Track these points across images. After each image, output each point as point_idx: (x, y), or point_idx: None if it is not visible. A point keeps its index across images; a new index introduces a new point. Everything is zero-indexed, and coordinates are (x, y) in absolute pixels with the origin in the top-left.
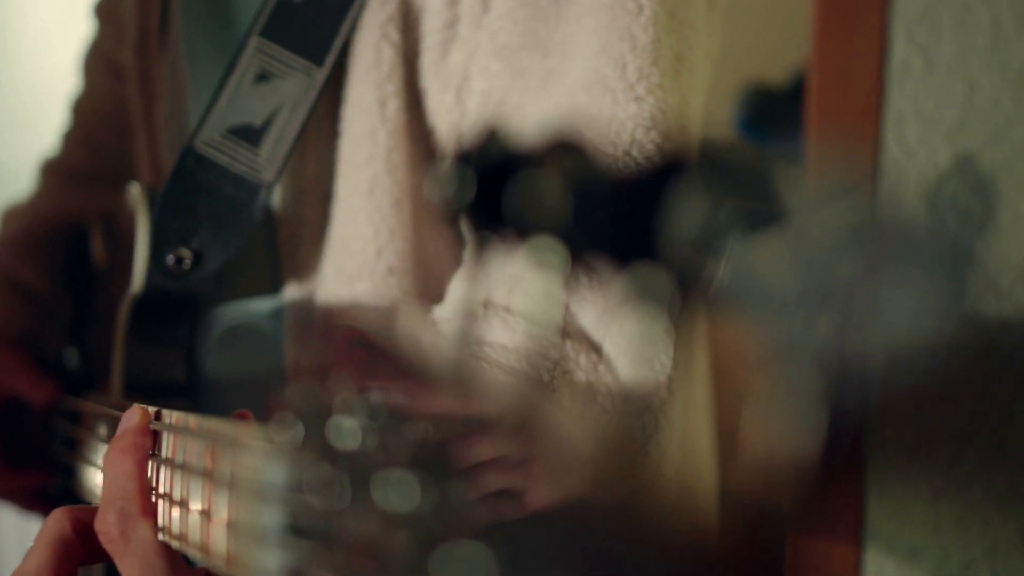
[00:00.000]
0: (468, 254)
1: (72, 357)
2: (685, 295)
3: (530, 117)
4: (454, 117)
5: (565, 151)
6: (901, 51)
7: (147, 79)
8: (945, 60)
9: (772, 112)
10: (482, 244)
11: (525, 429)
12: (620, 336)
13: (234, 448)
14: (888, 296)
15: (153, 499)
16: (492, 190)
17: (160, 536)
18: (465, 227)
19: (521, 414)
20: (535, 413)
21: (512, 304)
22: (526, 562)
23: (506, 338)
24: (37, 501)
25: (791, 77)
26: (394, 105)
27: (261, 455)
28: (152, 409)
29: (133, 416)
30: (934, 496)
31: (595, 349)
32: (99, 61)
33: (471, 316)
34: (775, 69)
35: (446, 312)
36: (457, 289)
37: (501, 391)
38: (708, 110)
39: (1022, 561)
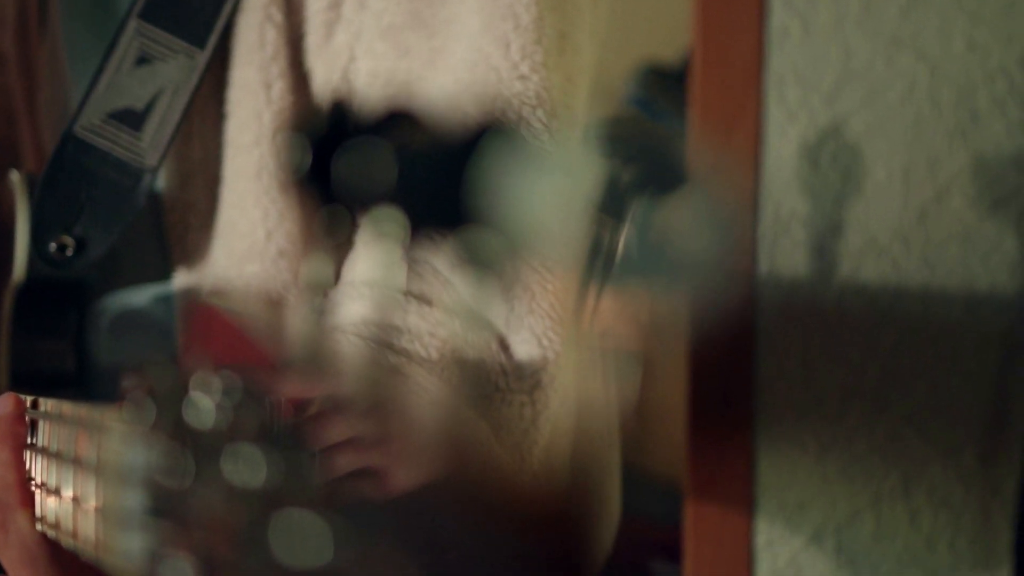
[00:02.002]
0: (316, 227)
1: None
2: (570, 263)
3: (417, 97)
4: (340, 97)
5: (400, 120)
6: (779, 16)
7: (28, 65)
8: (821, 25)
9: (666, 91)
10: (327, 218)
11: (380, 408)
12: (454, 299)
13: (99, 432)
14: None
15: (31, 488)
16: (332, 161)
17: (38, 526)
18: (305, 198)
19: (376, 393)
20: (389, 392)
21: (359, 277)
22: (368, 536)
23: (361, 314)
24: None
25: (684, 56)
26: (279, 87)
27: (122, 437)
28: (27, 398)
29: (7, 405)
30: (821, 450)
31: (436, 314)
32: None
33: (319, 293)
34: (668, 49)
35: (340, 295)
36: (352, 271)
37: (356, 370)
38: (595, 89)
39: (905, 508)
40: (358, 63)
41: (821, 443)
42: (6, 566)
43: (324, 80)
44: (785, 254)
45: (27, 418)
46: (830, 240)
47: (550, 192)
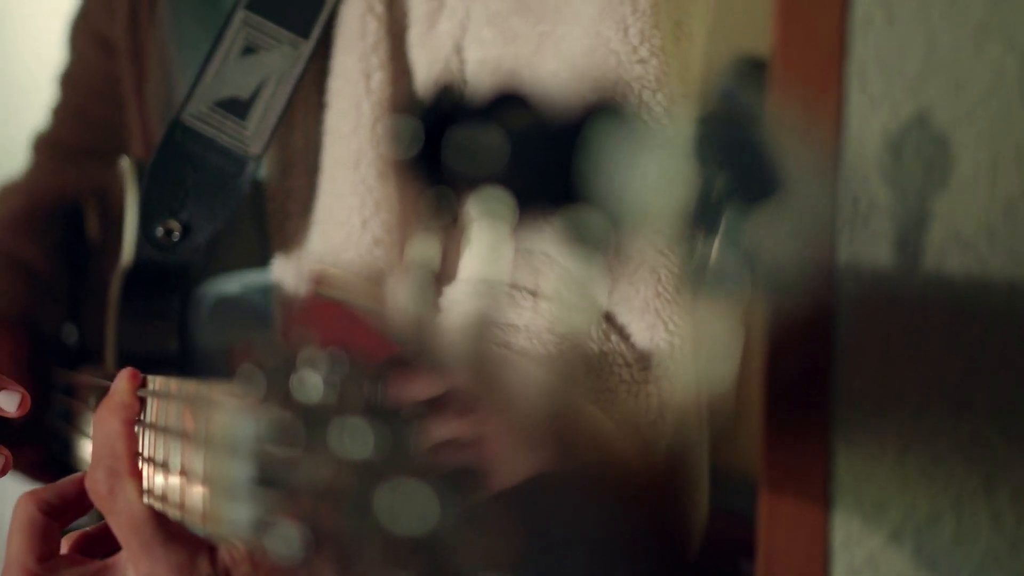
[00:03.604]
0: (422, 208)
1: (71, 332)
2: (681, 265)
3: (525, 80)
4: (444, 87)
5: (509, 102)
6: (863, 3)
7: (139, 53)
8: (906, 12)
9: (760, 84)
10: (434, 200)
11: (484, 395)
12: (566, 285)
13: (208, 407)
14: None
15: (139, 461)
16: (440, 144)
17: (145, 499)
18: (415, 181)
19: (479, 377)
20: (492, 377)
21: (469, 271)
22: (474, 508)
23: (474, 311)
24: (41, 471)
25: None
26: (379, 77)
27: (231, 411)
28: (141, 375)
29: (122, 378)
30: (900, 449)
31: (551, 308)
32: (87, 34)
33: (425, 275)
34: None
35: (458, 293)
36: (467, 268)
37: (464, 359)
38: (705, 79)
39: (987, 510)
40: (465, 52)
41: (901, 441)
42: (115, 532)
43: (427, 69)
44: (865, 246)
45: (139, 395)
46: (913, 232)
47: (663, 173)
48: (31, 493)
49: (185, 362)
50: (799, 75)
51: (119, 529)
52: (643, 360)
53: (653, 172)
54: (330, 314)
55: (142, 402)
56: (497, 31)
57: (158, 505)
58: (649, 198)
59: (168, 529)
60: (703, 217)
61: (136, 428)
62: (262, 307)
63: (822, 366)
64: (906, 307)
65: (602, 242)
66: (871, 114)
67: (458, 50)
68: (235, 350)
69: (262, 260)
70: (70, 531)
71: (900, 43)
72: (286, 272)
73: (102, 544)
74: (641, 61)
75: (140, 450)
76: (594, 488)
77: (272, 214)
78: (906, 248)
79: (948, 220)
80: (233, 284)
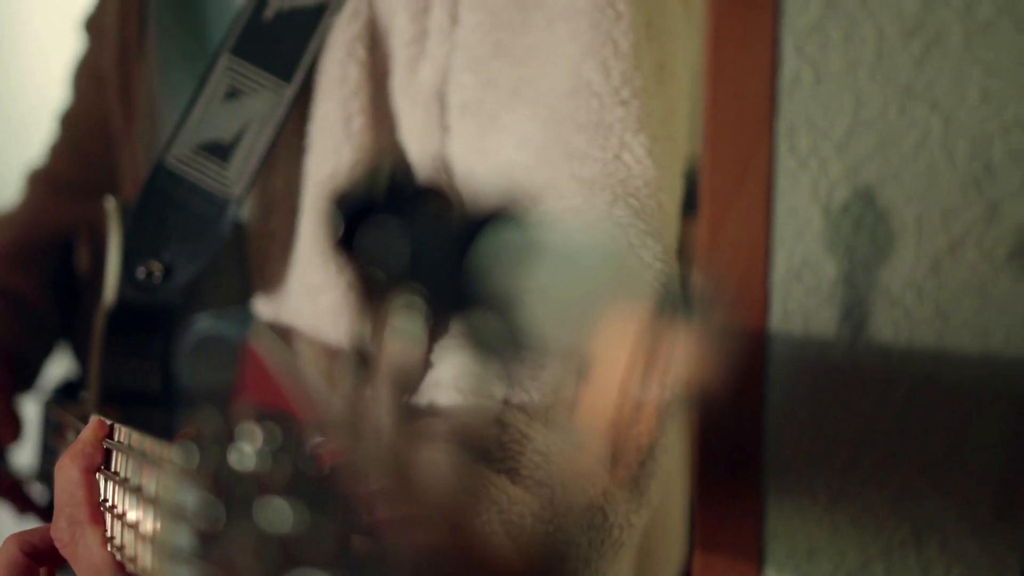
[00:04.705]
0: (355, 292)
1: (66, 364)
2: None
3: (506, 127)
4: (425, 132)
5: (431, 195)
6: (791, 64)
7: (127, 88)
8: (833, 72)
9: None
10: (367, 284)
11: (405, 480)
12: (455, 357)
13: (158, 467)
14: None
15: (103, 511)
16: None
17: (109, 547)
18: (345, 265)
19: (397, 457)
20: (413, 464)
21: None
22: None
23: (459, 367)
24: (29, 506)
25: None
26: (359, 122)
27: (175, 476)
28: (108, 424)
29: (88, 427)
30: (831, 499)
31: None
32: (87, 72)
33: (355, 355)
34: None
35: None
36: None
37: (383, 434)
38: (692, 119)
39: (916, 559)
40: (447, 98)
41: (831, 492)
42: None
43: (409, 115)
44: (797, 302)
45: (104, 445)
46: (842, 289)
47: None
48: (16, 535)
49: (167, 400)
50: (729, 134)
51: (81, 574)
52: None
53: (550, 279)
54: (266, 380)
55: (107, 452)
56: (477, 76)
57: (118, 555)
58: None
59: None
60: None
61: (99, 477)
62: (240, 347)
63: (754, 421)
64: (836, 363)
65: (497, 346)
66: (800, 172)
67: (439, 96)
68: (184, 417)
69: (243, 301)
70: None
71: (828, 102)
72: (266, 313)
73: None
74: (623, 103)
75: (104, 499)
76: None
77: (253, 256)
78: (836, 304)
79: (876, 277)
80: (215, 323)
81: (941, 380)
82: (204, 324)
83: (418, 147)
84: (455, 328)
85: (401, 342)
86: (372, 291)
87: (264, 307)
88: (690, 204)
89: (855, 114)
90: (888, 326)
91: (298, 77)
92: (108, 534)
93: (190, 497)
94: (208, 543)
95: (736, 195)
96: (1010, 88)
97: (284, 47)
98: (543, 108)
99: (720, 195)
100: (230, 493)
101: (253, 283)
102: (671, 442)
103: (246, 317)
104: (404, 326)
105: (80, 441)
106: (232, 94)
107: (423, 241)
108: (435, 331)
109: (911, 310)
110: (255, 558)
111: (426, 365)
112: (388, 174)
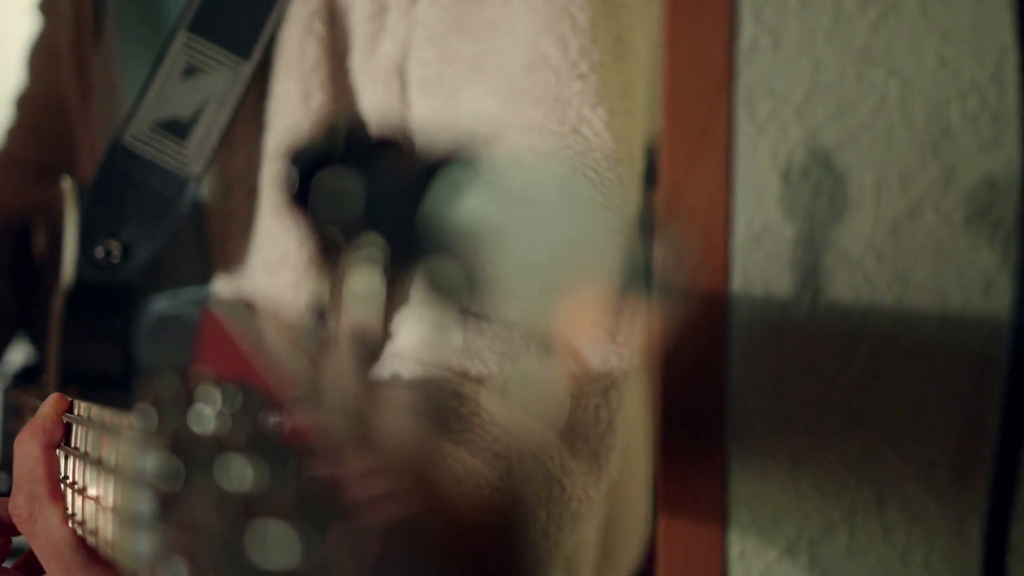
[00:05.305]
0: (310, 249)
1: (25, 349)
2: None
3: (466, 101)
4: (386, 108)
5: (388, 147)
6: (749, 29)
7: (83, 70)
8: (791, 38)
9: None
10: (322, 241)
11: (365, 441)
12: (415, 327)
13: (117, 436)
14: None
15: (63, 487)
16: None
17: (70, 523)
18: (296, 223)
19: (360, 421)
20: (370, 426)
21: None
22: (342, 547)
23: (419, 337)
24: None
25: None
26: (319, 99)
27: (133, 442)
28: (67, 399)
29: (47, 403)
30: (794, 463)
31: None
32: (42, 53)
33: (317, 316)
34: None
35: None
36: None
37: (345, 400)
38: (652, 94)
39: (879, 523)
40: (407, 74)
41: (794, 456)
42: (38, 555)
43: (370, 90)
44: (758, 267)
45: (64, 420)
46: (803, 253)
47: (520, 224)
48: None
49: (128, 382)
50: (688, 101)
51: (39, 552)
52: (590, 371)
53: (512, 223)
54: (227, 347)
55: (67, 427)
56: (437, 51)
57: (79, 529)
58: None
59: (87, 554)
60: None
61: (59, 452)
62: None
63: (716, 386)
64: (797, 327)
65: (456, 294)
66: (759, 138)
67: (400, 72)
68: (140, 384)
69: (203, 280)
70: None
71: (786, 68)
72: (226, 291)
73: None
74: (581, 76)
75: (64, 475)
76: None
77: (213, 234)
78: (796, 268)
79: (836, 241)
80: (174, 302)
81: (901, 343)
82: (162, 304)
83: (378, 123)
84: (415, 281)
85: (360, 304)
86: (328, 249)
87: (224, 285)
88: (652, 177)
89: (813, 79)
90: (848, 289)
91: (256, 54)
92: (69, 511)
93: (149, 461)
94: (168, 505)
95: (696, 161)
96: (966, 52)
97: (242, 24)
98: (502, 83)
99: (680, 162)
100: (189, 453)
101: (213, 262)
102: (632, 414)
103: (205, 297)
104: (363, 284)
105: (39, 416)
106: (190, 71)
107: (380, 190)
108: (395, 288)
109: (870, 273)
110: (216, 516)
111: (386, 334)
112: (343, 129)
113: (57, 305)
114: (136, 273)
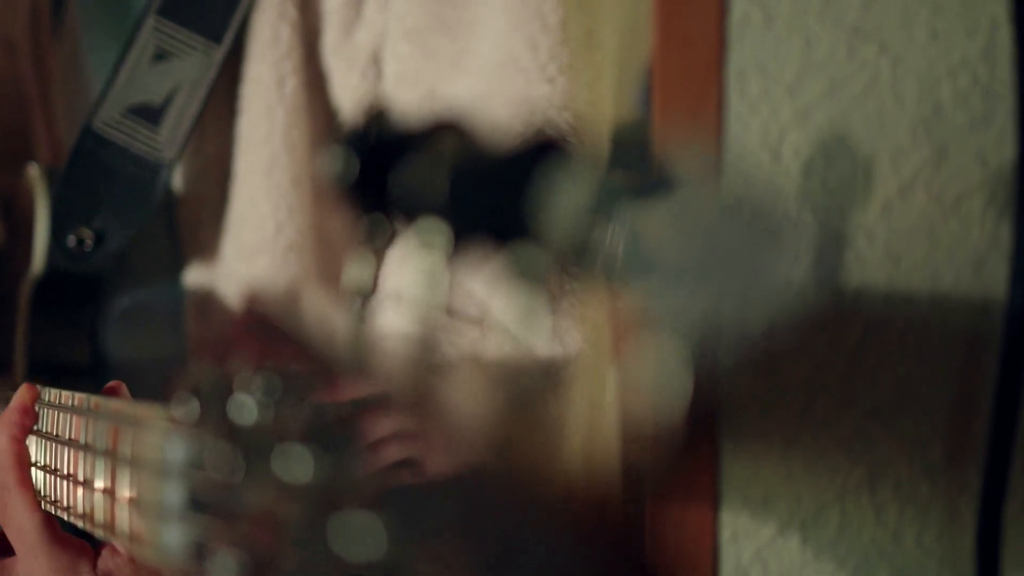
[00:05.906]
0: (358, 234)
1: None
2: (581, 267)
3: (444, 98)
4: (360, 96)
5: (447, 132)
6: (741, 6)
7: (41, 55)
8: (783, 15)
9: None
10: (369, 226)
11: (420, 404)
12: (503, 312)
13: (135, 427)
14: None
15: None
16: (377, 172)
17: (42, 507)
18: (351, 208)
19: (415, 391)
20: (428, 390)
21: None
22: (422, 528)
23: (397, 321)
24: None
25: None
26: (292, 83)
27: (161, 433)
28: (37, 389)
29: (18, 394)
30: (786, 444)
31: (483, 326)
32: None
33: (360, 297)
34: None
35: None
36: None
37: (395, 370)
38: (619, 84)
39: (871, 503)
40: (384, 65)
41: (786, 437)
42: (9, 539)
43: (343, 78)
44: None
45: (36, 408)
46: (794, 233)
47: (577, 201)
48: None
49: (96, 371)
50: (679, 79)
51: (9, 535)
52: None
53: (571, 201)
54: (264, 335)
55: (38, 415)
56: (414, 46)
57: (80, 524)
58: (568, 226)
59: (53, 535)
60: (603, 212)
61: (31, 438)
62: (172, 315)
63: (707, 363)
64: (788, 308)
65: (543, 278)
66: (750, 116)
67: (376, 62)
68: (172, 374)
69: (174, 268)
70: None
71: (778, 45)
72: (199, 279)
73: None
74: (549, 80)
75: (36, 460)
76: (532, 487)
77: (184, 221)
78: (788, 249)
79: (827, 220)
80: (143, 292)
81: (892, 323)
82: (132, 293)
83: (353, 110)
84: (498, 263)
85: (423, 288)
86: (375, 235)
87: (195, 273)
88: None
89: (805, 56)
90: (840, 268)
91: (228, 38)
92: (66, 504)
93: (184, 453)
94: (214, 497)
95: (686, 140)
96: (957, 27)
97: (213, 7)
98: (477, 81)
99: (670, 140)
100: (241, 443)
101: (183, 249)
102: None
103: (176, 286)
104: (424, 268)
105: (9, 409)
106: (160, 56)
107: (462, 175)
108: (456, 272)
109: (862, 253)
110: (289, 508)
111: (451, 313)
112: (385, 115)
113: (24, 294)
114: (108, 261)
